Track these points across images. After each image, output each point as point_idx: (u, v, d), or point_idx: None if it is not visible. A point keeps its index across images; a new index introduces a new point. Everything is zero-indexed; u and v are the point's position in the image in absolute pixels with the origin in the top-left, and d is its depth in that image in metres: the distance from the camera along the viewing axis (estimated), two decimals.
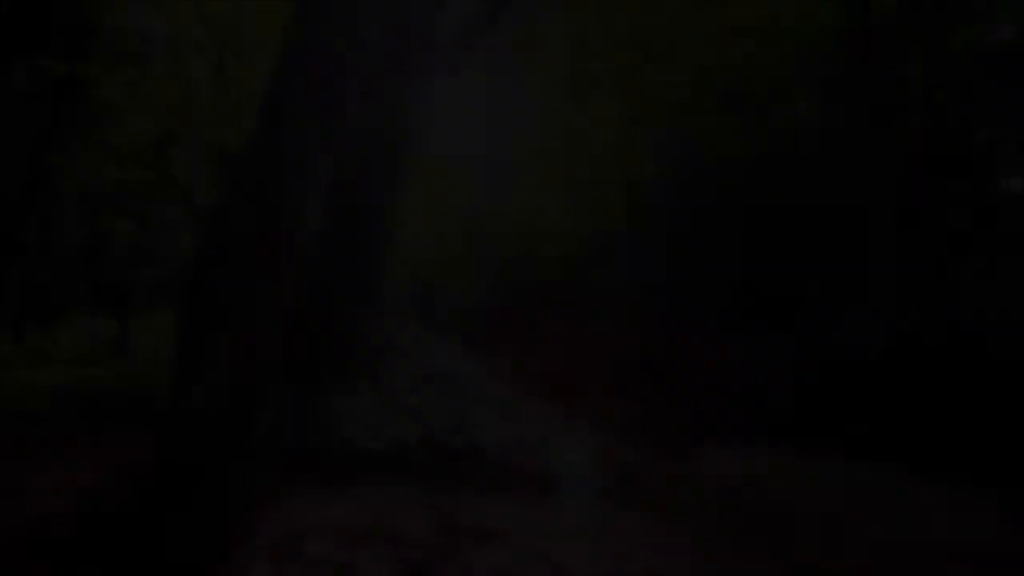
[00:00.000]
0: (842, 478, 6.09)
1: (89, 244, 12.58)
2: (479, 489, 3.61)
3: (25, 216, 9.39)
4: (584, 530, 3.07)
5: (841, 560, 3.42)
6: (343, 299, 6.01)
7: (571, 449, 4.61)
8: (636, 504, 4.05)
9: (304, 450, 3.94)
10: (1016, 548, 3.95)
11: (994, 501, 5.38)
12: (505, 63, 11.93)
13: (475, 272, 14.15)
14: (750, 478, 5.74)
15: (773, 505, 4.70)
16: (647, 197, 18.64)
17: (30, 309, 10.51)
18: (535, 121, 12.03)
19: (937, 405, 8.35)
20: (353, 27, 2.63)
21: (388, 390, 4.97)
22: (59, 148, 9.58)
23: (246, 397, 2.24)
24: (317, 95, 2.53)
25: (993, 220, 10.98)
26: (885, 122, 11.22)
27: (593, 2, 10.40)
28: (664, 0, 10.04)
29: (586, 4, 10.45)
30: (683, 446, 7.52)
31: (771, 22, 10.45)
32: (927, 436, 7.94)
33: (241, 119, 11.71)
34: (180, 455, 2.20)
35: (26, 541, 2.57)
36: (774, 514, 4.39)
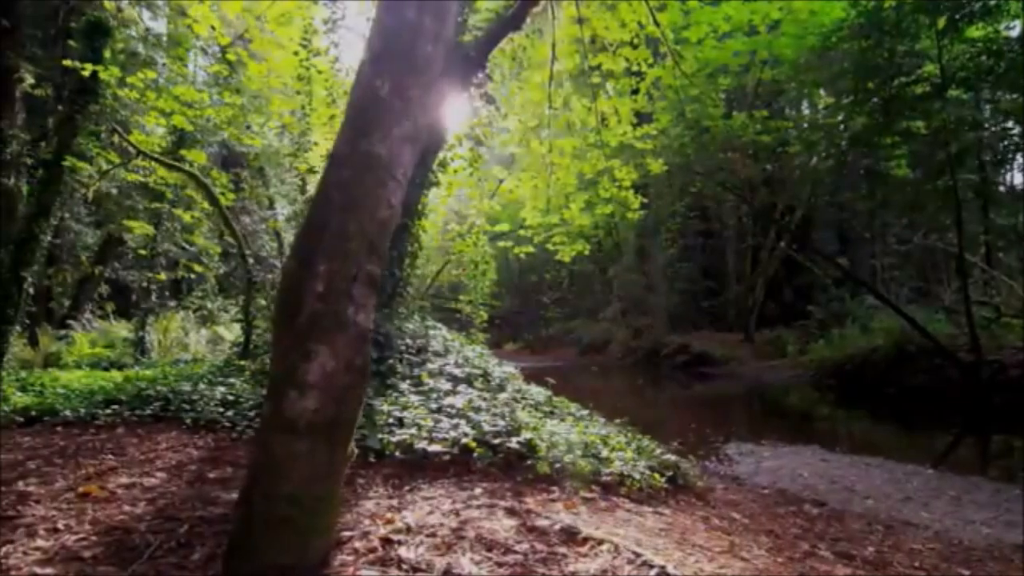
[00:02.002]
0: (878, 475, 6.12)
1: (103, 246, 12.52)
2: (541, 490, 3.60)
3: (40, 219, 9.34)
4: (658, 531, 3.07)
5: (905, 558, 3.44)
6: (379, 301, 5.99)
7: (617, 449, 4.61)
8: (692, 504, 4.06)
9: (362, 452, 3.93)
10: None
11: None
12: (517, 61, 11.89)
13: (490, 272, 14.17)
14: (789, 477, 5.77)
15: (821, 504, 4.73)
16: (656, 196, 18.65)
17: (45, 311, 10.42)
18: (547, 118, 11.99)
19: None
20: (437, 31, 2.63)
21: (431, 391, 4.97)
22: (72, 150, 9.53)
23: (347, 401, 2.24)
24: (403, 98, 2.52)
25: None
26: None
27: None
28: None
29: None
30: (714, 445, 7.55)
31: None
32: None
33: (248, 120, 11.65)
34: (280, 459, 2.19)
35: (110, 545, 2.55)
36: (826, 515, 4.41)
